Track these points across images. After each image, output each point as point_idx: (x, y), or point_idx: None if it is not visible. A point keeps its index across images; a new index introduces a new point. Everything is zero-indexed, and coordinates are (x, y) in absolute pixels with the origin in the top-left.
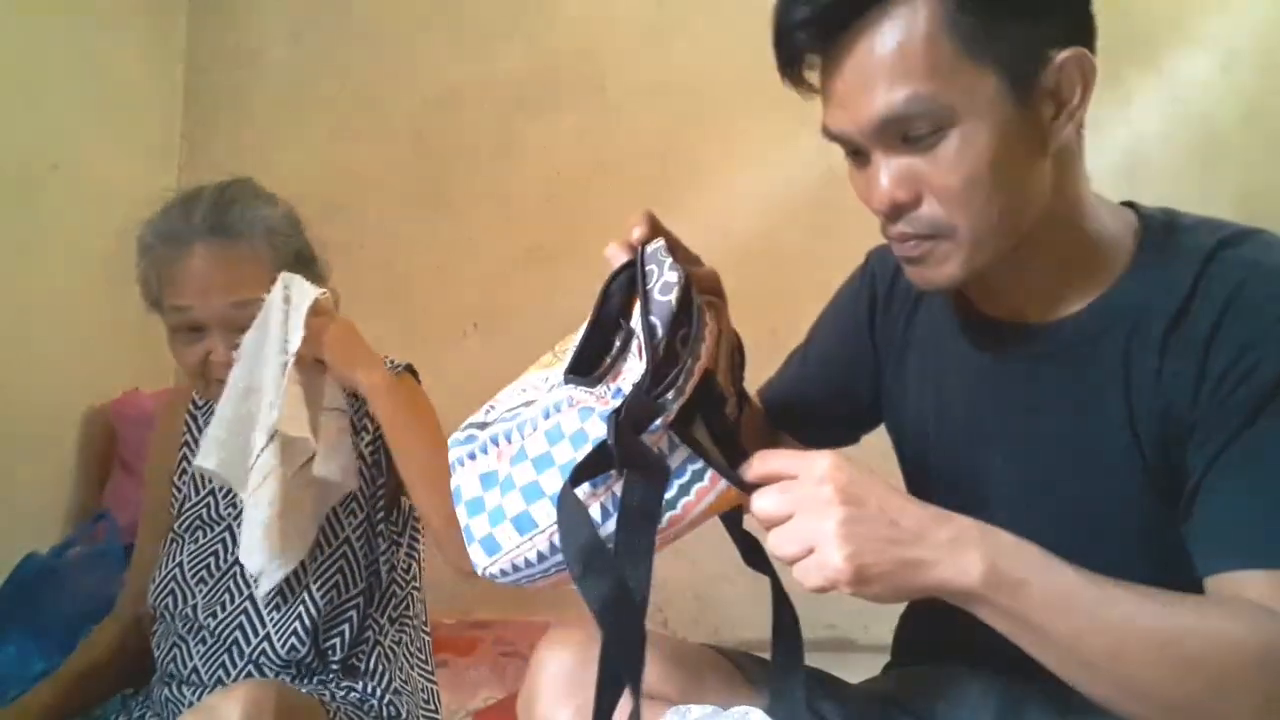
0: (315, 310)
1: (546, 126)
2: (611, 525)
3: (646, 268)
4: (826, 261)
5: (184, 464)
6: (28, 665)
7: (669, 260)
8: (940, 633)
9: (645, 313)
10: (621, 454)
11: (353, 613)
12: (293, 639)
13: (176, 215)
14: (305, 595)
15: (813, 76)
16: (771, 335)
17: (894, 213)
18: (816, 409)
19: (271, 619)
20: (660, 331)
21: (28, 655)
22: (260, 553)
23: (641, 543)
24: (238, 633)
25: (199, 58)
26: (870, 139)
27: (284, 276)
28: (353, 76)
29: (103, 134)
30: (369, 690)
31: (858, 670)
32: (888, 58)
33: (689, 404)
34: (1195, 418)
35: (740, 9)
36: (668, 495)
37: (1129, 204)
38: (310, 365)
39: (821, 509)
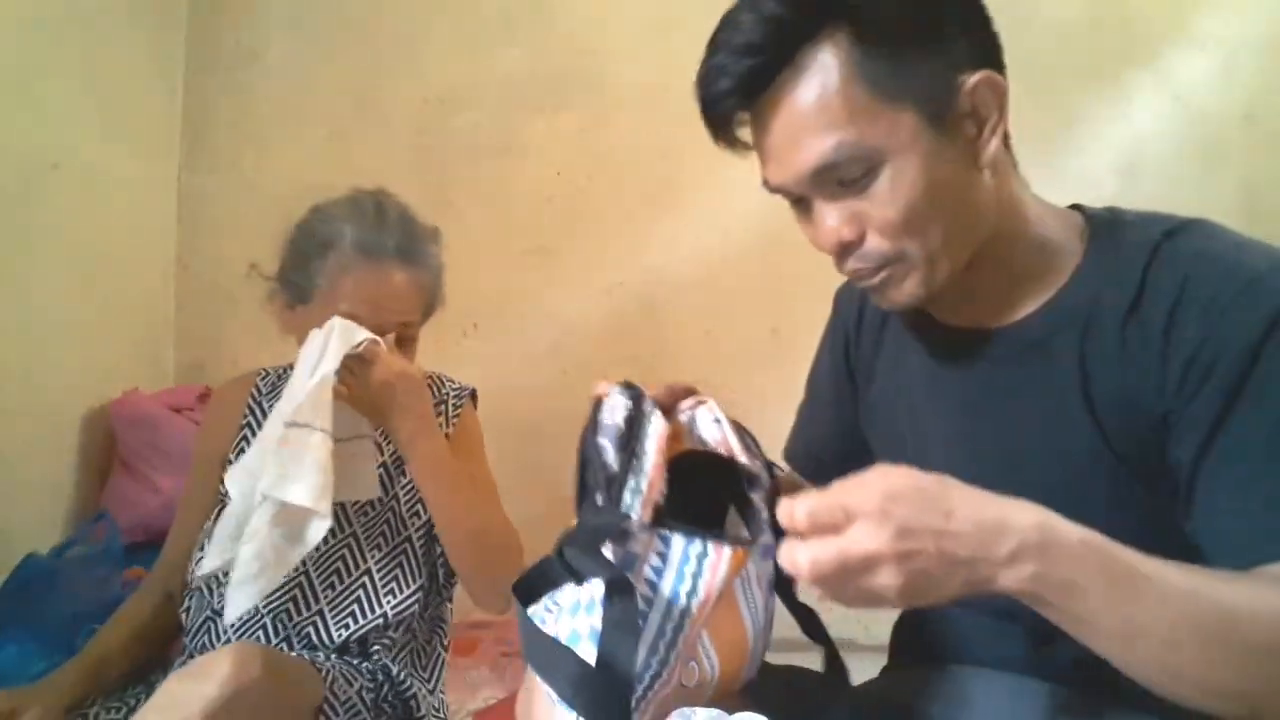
0: (364, 356)
1: (546, 126)
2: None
3: (610, 401)
4: (826, 262)
5: (242, 446)
6: (28, 665)
7: (629, 390)
8: (937, 635)
9: (593, 435)
10: (556, 568)
11: (402, 606)
12: (342, 629)
13: (370, 228)
14: (366, 582)
15: (745, 134)
16: (772, 335)
17: (843, 251)
18: (836, 455)
19: (326, 596)
20: (610, 450)
21: (28, 655)
22: (250, 587)
23: (623, 649)
24: (283, 614)
25: (199, 58)
26: (807, 188)
27: (334, 320)
28: (353, 76)
29: (103, 134)
30: (382, 678)
31: (858, 671)
32: (809, 112)
33: (685, 494)
34: (1164, 409)
35: None
36: (682, 586)
37: (1075, 206)
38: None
39: (873, 568)
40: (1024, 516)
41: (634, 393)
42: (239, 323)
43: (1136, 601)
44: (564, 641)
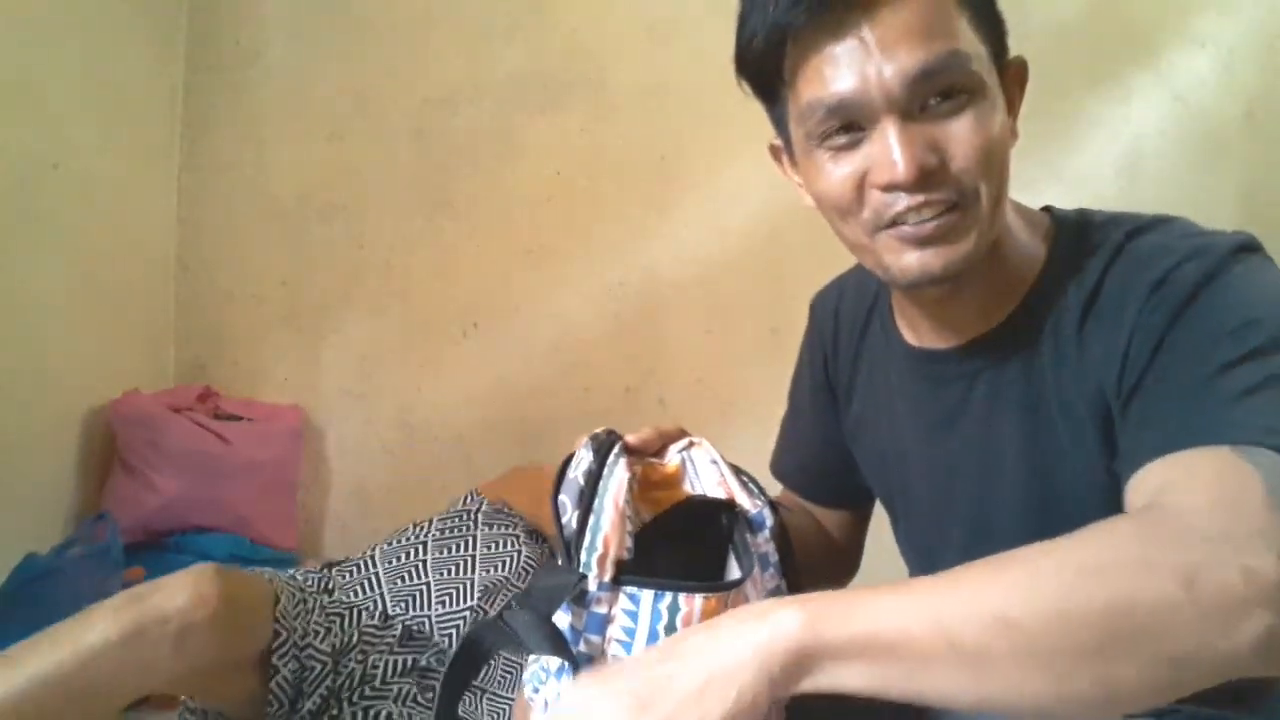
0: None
1: (546, 126)
2: None
3: (577, 455)
4: (826, 261)
5: None
6: None
7: (595, 442)
8: None
9: (556, 492)
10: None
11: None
12: (446, 639)
13: None
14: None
15: (789, 65)
16: (772, 335)
17: (921, 180)
18: (824, 469)
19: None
20: (569, 507)
21: None
22: None
23: None
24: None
25: (199, 58)
26: (895, 99)
27: None
28: (353, 76)
29: (103, 134)
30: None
31: None
32: (923, 12)
33: (690, 540)
34: (1129, 383)
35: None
36: (656, 644)
37: (1046, 209)
38: None
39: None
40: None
41: (600, 444)
42: (239, 323)
43: (929, 602)
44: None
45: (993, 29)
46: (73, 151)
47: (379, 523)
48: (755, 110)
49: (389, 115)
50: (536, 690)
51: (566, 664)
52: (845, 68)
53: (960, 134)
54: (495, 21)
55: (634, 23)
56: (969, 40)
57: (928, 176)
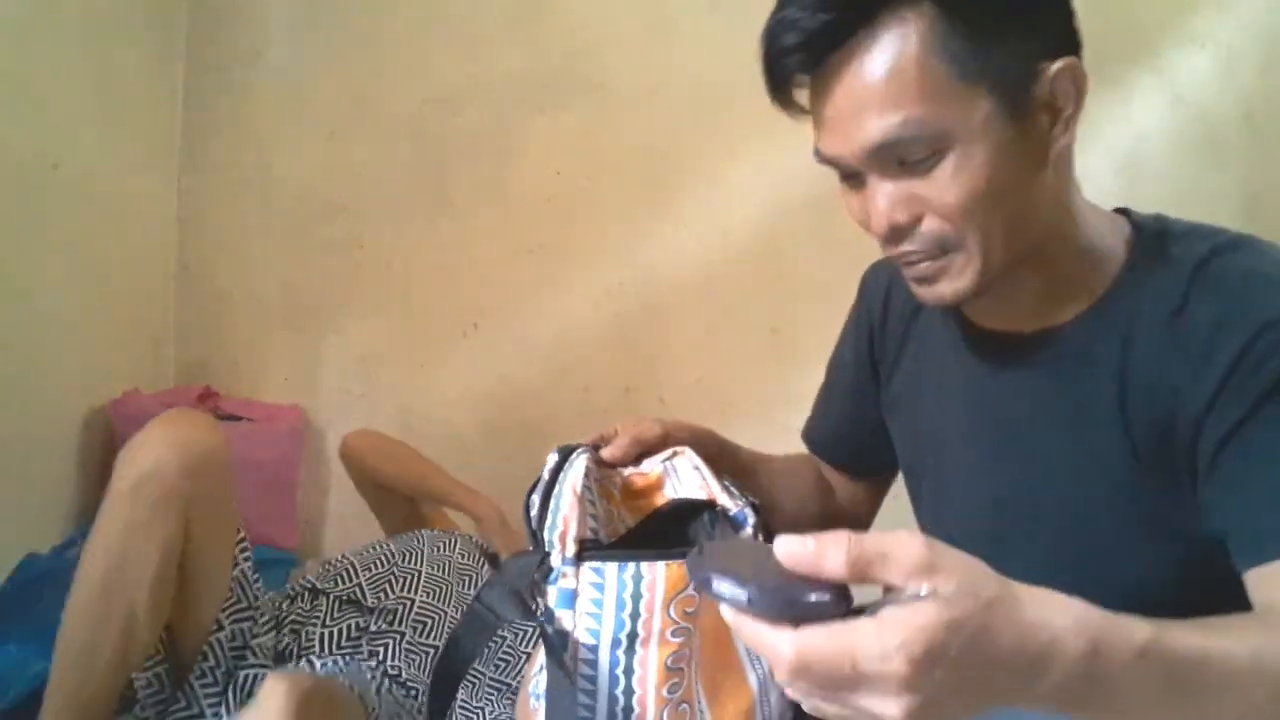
0: None
1: (546, 126)
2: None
3: (547, 460)
4: (826, 261)
5: None
6: (28, 665)
7: (562, 449)
8: None
9: (528, 494)
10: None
11: None
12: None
13: None
14: None
15: (802, 97)
16: (772, 335)
17: (894, 235)
18: (857, 443)
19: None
20: (536, 502)
21: (28, 655)
22: None
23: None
24: None
25: (199, 58)
26: (865, 164)
27: None
28: (353, 76)
29: (103, 134)
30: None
31: None
32: (880, 82)
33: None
34: (1198, 419)
35: (740, 9)
36: (624, 612)
37: (1122, 210)
38: None
39: (878, 692)
40: (1071, 645)
41: (565, 450)
42: (239, 323)
43: (1204, 697)
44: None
45: (999, 63)
46: (73, 151)
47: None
48: (755, 110)
49: (389, 115)
50: (539, 699)
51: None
52: (827, 130)
53: (934, 190)
54: (495, 21)
55: (634, 23)
56: (938, 97)
57: (901, 231)
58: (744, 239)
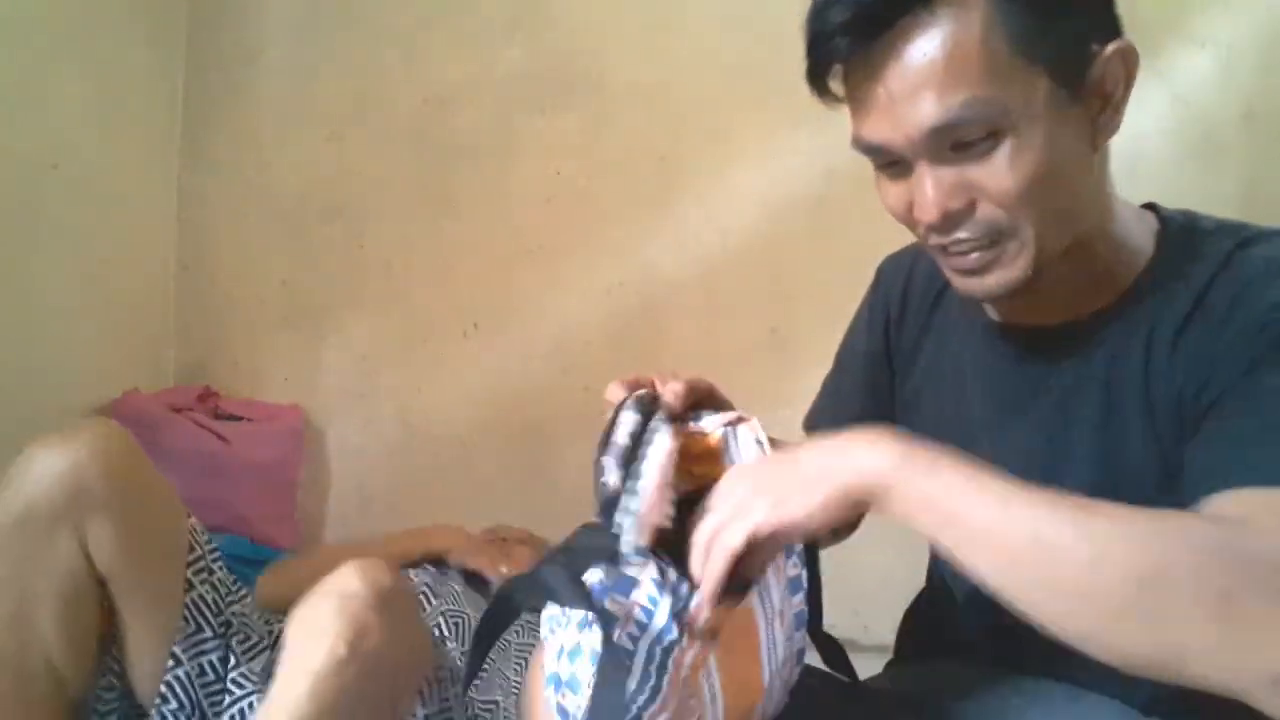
0: None
1: (546, 126)
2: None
3: (622, 415)
4: (826, 261)
5: None
6: None
7: (639, 404)
8: (943, 628)
9: (599, 453)
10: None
11: None
12: None
13: None
14: None
15: (837, 86)
16: (772, 335)
17: (945, 224)
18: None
19: None
20: (613, 467)
21: None
22: None
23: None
24: None
25: (199, 58)
26: (916, 148)
27: None
28: (353, 76)
29: (103, 134)
30: None
31: (859, 670)
32: (939, 61)
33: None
34: (1211, 397)
35: (740, 9)
36: (675, 611)
37: (1149, 206)
38: None
39: (735, 494)
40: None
41: (644, 407)
42: (239, 323)
43: (997, 488)
44: (566, 650)
45: (1057, 42)
46: (73, 151)
47: (379, 523)
48: (755, 111)
49: (389, 115)
50: (553, 631)
51: (589, 615)
52: (875, 114)
53: (990, 175)
54: (495, 21)
55: (634, 23)
56: (999, 77)
57: (954, 219)
58: (744, 239)
